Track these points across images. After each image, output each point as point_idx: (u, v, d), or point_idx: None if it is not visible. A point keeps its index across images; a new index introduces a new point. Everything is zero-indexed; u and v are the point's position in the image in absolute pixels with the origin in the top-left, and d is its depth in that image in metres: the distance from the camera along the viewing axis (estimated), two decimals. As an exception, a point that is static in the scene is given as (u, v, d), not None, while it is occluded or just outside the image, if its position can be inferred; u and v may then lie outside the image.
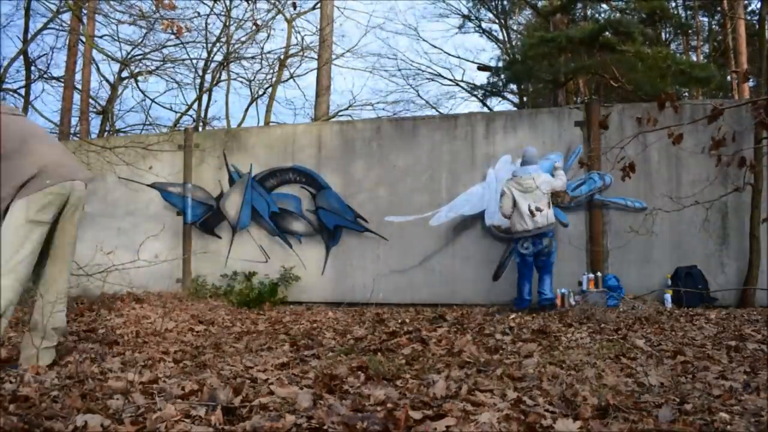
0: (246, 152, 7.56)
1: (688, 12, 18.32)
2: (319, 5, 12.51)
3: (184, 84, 14.76)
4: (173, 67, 13.80)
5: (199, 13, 14.71)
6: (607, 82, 11.91)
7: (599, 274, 6.18)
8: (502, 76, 16.21)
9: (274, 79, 13.50)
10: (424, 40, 20.83)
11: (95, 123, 14.30)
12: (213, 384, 2.84)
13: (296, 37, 13.39)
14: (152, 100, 14.87)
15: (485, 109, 17.43)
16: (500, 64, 18.07)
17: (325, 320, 5.78)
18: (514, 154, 6.79)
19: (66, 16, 11.66)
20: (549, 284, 5.90)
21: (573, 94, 16.49)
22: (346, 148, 7.27)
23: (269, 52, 13.63)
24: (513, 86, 18.49)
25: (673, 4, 17.52)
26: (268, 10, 13.00)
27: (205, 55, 13.30)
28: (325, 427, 2.21)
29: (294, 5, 12.05)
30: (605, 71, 11.11)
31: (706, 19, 19.00)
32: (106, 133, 12.75)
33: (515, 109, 17.51)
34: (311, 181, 7.23)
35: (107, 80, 14.13)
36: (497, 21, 19.85)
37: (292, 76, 14.03)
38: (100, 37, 12.77)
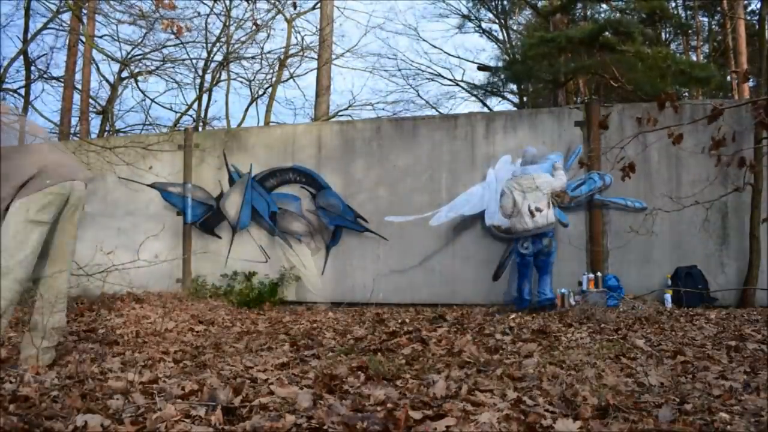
0: (246, 152, 7.56)
1: (688, 12, 18.32)
2: (319, 5, 12.51)
3: (184, 84, 14.79)
4: (173, 67, 13.83)
5: (199, 13, 14.71)
6: (607, 82, 11.91)
7: (599, 274, 6.18)
8: (501, 76, 16.20)
9: (274, 79, 13.51)
10: (424, 40, 20.83)
11: (95, 123, 14.32)
12: (213, 384, 2.84)
13: (296, 37, 13.40)
14: (152, 100, 14.92)
15: (485, 109, 17.43)
16: (500, 64, 18.08)
17: (325, 320, 5.78)
18: (514, 154, 6.79)
19: (66, 16, 11.68)
20: (549, 284, 5.91)
21: (573, 94, 16.49)
22: (346, 148, 7.27)
23: (269, 52, 13.65)
24: (513, 86, 18.50)
25: (673, 4, 17.52)
26: (268, 10, 13.02)
27: (205, 55, 13.32)
28: (325, 427, 2.21)
29: (294, 5, 12.05)
30: (605, 71, 11.11)
31: (706, 19, 19.00)
32: (106, 133, 12.76)
33: (515, 109, 17.51)
34: (311, 181, 7.23)
35: (107, 80, 14.15)
36: (497, 21, 19.86)
37: (292, 76, 14.04)
38: (100, 37, 12.80)
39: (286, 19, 12.89)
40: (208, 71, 13.52)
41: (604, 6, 15.02)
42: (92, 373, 3.13)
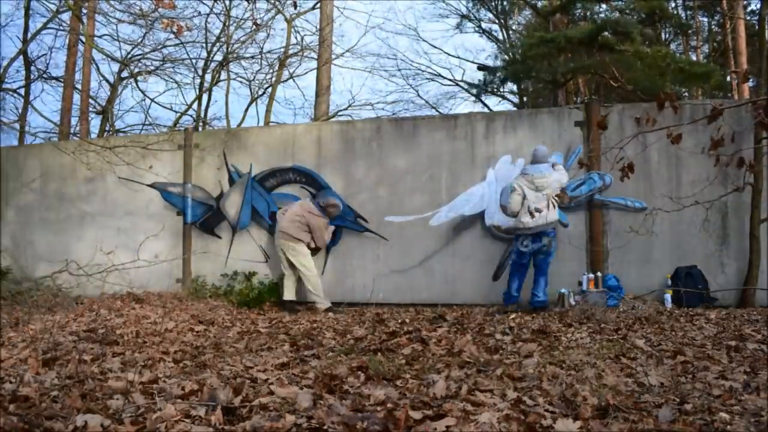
0: (246, 152, 7.56)
1: (688, 12, 18.32)
2: (318, 5, 12.50)
3: (183, 84, 14.73)
4: (173, 67, 13.80)
5: (199, 12, 14.70)
6: (606, 82, 11.91)
7: (599, 274, 6.18)
8: (499, 74, 16.19)
9: (273, 79, 13.50)
10: (423, 40, 20.85)
11: (95, 123, 14.33)
12: (213, 384, 2.84)
13: (296, 37, 13.37)
14: (152, 100, 14.91)
15: (485, 109, 17.43)
16: (498, 63, 18.07)
17: (325, 320, 5.78)
18: (514, 154, 6.79)
19: (66, 16, 11.68)
20: (542, 286, 5.91)
21: (573, 94, 16.49)
22: (346, 148, 7.26)
23: (269, 52, 13.58)
24: (513, 86, 18.49)
25: (673, 4, 17.52)
26: (268, 10, 13.01)
27: (204, 54, 13.31)
28: (325, 427, 2.21)
29: (294, 5, 12.04)
30: (605, 71, 11.11)
31: (705, 19, 19.01)
32: (106, 133, 12.75)
33: (515, 109, 17.51)
34: (311, 181, 7.23)
35: (107, 80, 14.14)
36: (497, 21, 19.86)
37: (291, 76, 14.03)
38: (100, 36, 12.78)
39: (285, 19, 12.89)
40: (208, 71, 13.52)
41: (603, 6, 15.01)
42: (92, 373, 3.13)
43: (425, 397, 2.62)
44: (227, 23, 12.84)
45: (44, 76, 13.28)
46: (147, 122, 13.82)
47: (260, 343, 4.34)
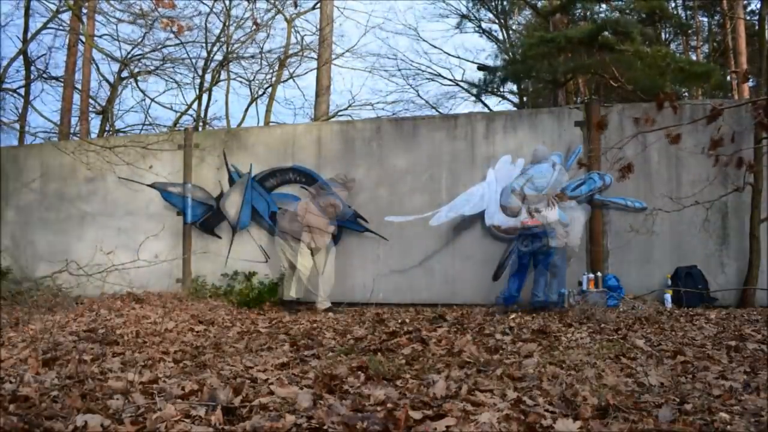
0: (246, 152, 7.56)
1: (688, 12, 18.32)
2: (318, 5, 12.50)
3: (183, 84, 14.71)
4: (173, 67, 13.80)
5: (200, 12, 14.71)
6: (606, 82, 11.91)
7: (599, 274, 6.17)
8: (499, 74, 16.19)
9: (273, 79, 13.51)
10: (423, 40, 20.78)
11: (95, 123, 14.30)
12: (213, 384, 2.84)
13: (296, 37, 13.37)
14: (152, 100, 14.91)
15: (485, 109, 17.43)
16: (498, 63, 18.06)
17: (325, 320, 5.78)
18: (514, 154, 6.79)
19: (65, 16, 11.68)
20: (542, 286, 5.90)
21: (573, 94, 16.48)
22: (346, 148, 7.26)
23: (269, 52, 13.57)
24: (513, 86, 18.49)
25: (673, 4, 17.52)
26: (268, 10, 13.02)
27: (204, 54, 13.30)
28: (325, 427, 2.21)
29: (295, 4, 12.05)
30: (604, 71, 11.11)
31: (705, 19, 19.00)
32: (106, 133, 12.76)
33: (515, 109, 17.51)
34: (311, 181, 7.22)
35: (107, 80, 14.13)
36: (497, 21, 19.85)
37: (291, 76, 14.03)
38: (100, 36, 12.79)
39: (286, 19, 12.89)
40: (208, 71, 13.52)
41: (603, 6, 15.01)
42: (92, 373, 3.13)
43: (425, 397, 2.62)
44: (227, 23, 12.85)
45: (44, 76, 13.30)
46: (147, 122, 13.84)
47: (260, 343, 4.34)
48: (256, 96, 13.94)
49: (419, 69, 18.09)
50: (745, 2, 16.55)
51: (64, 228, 7.97)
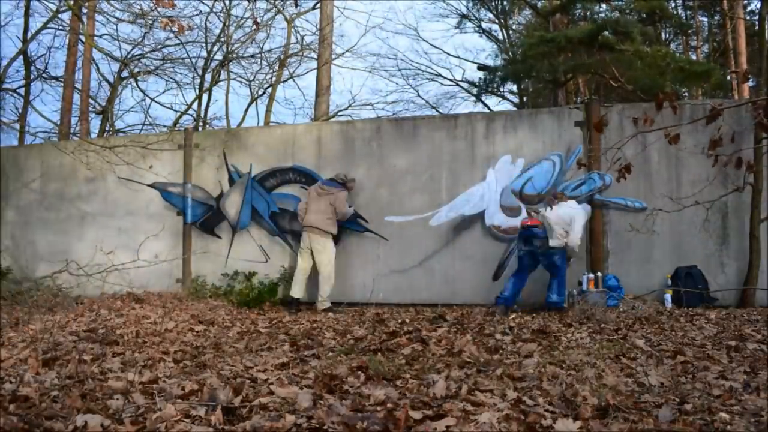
0: (246, 152, 7.56)
1: (688, 12, 18.32)
2: (318, 5, 12.50)
3: (183, 84, 14.71)
4: (173, 67, 13.81)
5: (200, 11, 14.70)
6: (606, 81, 11.91)
7: (599, 274, 6.17)
8: (499, 74, 16.20)
9: (273, 79, 13.51)
10: (423, 40, 20.77)
11: (95, 123, 14.30)
12: (213, 384, 2.84)
13: (296, 37, 13.37)
14: (152, 99, 14.88)
15: (485, 109, 17.43)
16: (498, 63, 18.08)
17: (325, 320, 5.78)
18: (514, 154, 6.79)
19: (65, 16, 11.68)
20: (555, 288, 5.87)
21: (573, 94, 16.49)
22: (346, 148, 7.26)
23: (269, 52, 13.57)
24: (513, 86, 18.50)
25: (673, 4, 17.52)
26: (268, 10, 13.01)
27: (204, 54, 13.30)
28: (325, 427, 2.21)
29: (296, 4, 12.04)
30: (604, 71, 11.11)
31: (705, 19, 19.00)
32: (106, 133, 12.76)
33: (515, 109, 17.51)
34: (311, 181, 7.22)
35: (107, 80, 14.13)
36: (497, 21, 19.86)
37: (291, 76, 14.04)
38: (100, 36, 12.78)
39: (286, 19, 12.89)
40: (208, 71, 13.52)
41: (603, 6, 15.01)
42: (92, 373, 3.13)
43: (425, 397, 2.62)
44: (227, 23, 12.85)
45: (44, 75, 13.30)
46: (147, 122, 13.84)
47: (260, 343, 4.34)
48: (256, 96, 13.95)
49: (419, 69, 18.12)
50: (745, 2, 16.57)
51: (64, 228, 7.98)
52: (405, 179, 7.05)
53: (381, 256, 7.00)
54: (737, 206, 6.28)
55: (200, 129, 12.58)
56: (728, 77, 14.77)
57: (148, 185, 7.73)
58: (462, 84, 18.46)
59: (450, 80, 18.54)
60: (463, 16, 19.43)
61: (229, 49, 12.89)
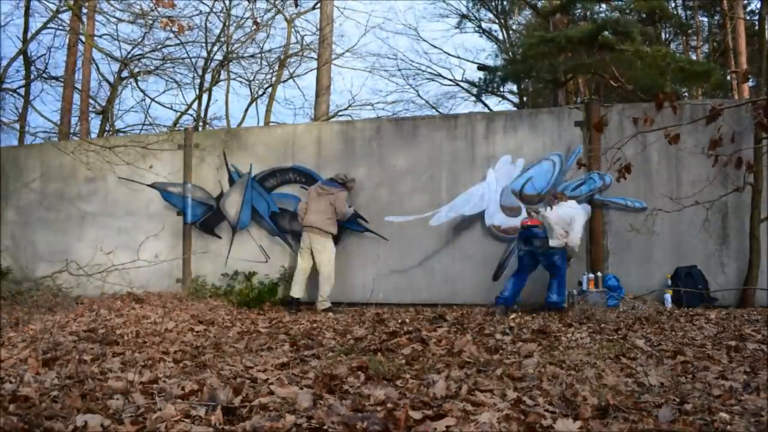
0: (246, 152, 7.56)
1: (688, 12, 18.32)
2: (318, 5, 12.50)
3: (183, 84, 14.71)
4: (173, 67, 13.81)
5: (200, 11, 14.70)
6: (606, 81, 11.91)
7: (599, 274, 6.18)
8: (499, 74, 16.20)
9: (273, 79, 13.51)
10: (423, 40, 20.78)
11: (95, 123, 14.31)
12: (213, 384, 2.84)
13: (296, 37, 13.37)
14: (152, 100, 14.89)
15: (485, 109, 17.43)
16: (498, 63, 18.08)
17: (325, 320, 5.78)
18: (514, 154, 6.79)
19: (65, 16, 11.68)
20: (555, 288, 5.87)
21: (573, 94, 16.49)
22: (346, 148, 7.26)
23: (269, 52, 13.56)
24: (513, 86, 18.50)
25: (673, 4, 17.52)
26: (268, 10, 13.01)
27: (204, 54, 13.30)
28: (325, 427, 2.21)
29: (296, 3, 12.04)
30: (605, 70, 11.11)
31: (705, 19, 19.00)
32: (106, 133, 12.76)
33: (515, 109, 17.51)
34: (311, 181, 7.21)
35: (107, 80, 14.14)
36: (497, 21, 19.86)
37: (291, 76, 14.04)
38: (100, 36, 12.78)
39: (286, 19, 12.89)
40: (208, 71, 13.52)
41: (603, 6, 15.01)
42: (92, 373, 3.13)
43: (425, 397, 2.62)
44: (227, 23, 12.85)
45: (44, 75, 13.30)
46: (147, 122, 13.84)
47: (260, 343, 4.34)
48: (256, 96, 13.96)
49: (419, 69, 18.12)
50: (745, 2, 16.57)
51: (64, 228, 7.98)
52: (405, 179, 7.05)
53: (381, 256, 7.00)
54: (737, 206, 6.28)
55: (200, 129, 12.58)
56: (728, 77, 14.77)
57: (148, 185, 7.73)
58: (462, 84, 18.48)
59: (450, 80, 18.57)
60: (463, 16, 19.43)
61: (229, 49, 12.90)
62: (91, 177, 7.91)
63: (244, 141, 7.62)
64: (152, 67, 13.65)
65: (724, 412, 2.41)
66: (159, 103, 21.01)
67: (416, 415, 2.31)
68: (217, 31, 13.29)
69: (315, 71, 12.39)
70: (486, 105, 18.28)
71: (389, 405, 2.48)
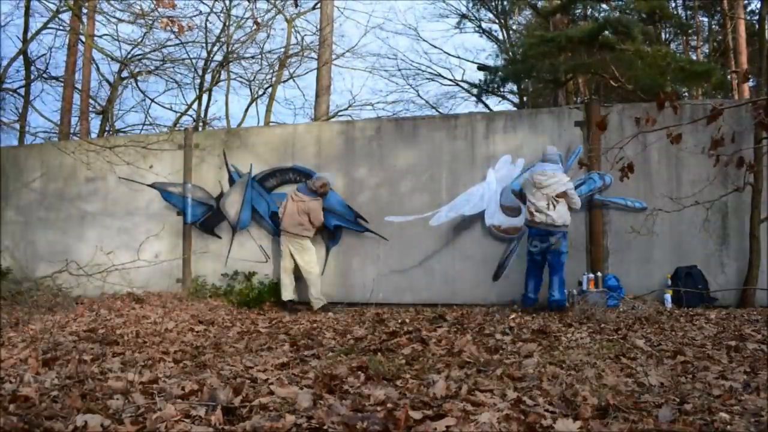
0: (246, 152, 7.56)
1: (688, 12, 18.32)
2: (319, 5, 12.50)
3: (184, 84, 14.69)
4: (173, 67, 13.78)
5: (200, 12, 14.70)
6: (607, 81, 11.92)
7: (599, 274, 6.18)
8: (500, 74, 16.19)
9: (274, 79, 13.50)
10: (423, 40, 20.76)
11: (95, 123, 14.31)
12: (213, 384, 2.84)
13: (296, 37, 13.36)
14: (152, 100, 14.86)
15: (485, 109, 17.43)
16: (499, 63, 18.08)
17: (325, 320, 5.78)
18: (514, 154, 6.79)
19: (66, 16, 11.66)
20: (557, 286, 5.86)
21: (573, 94, 16.49)
22: (346, 148, 7.26)
23: (269, 52, 13.55)
24: (513, 86, 18.49)
25: (673, 4, 17.52)
26: (268, 10, 13.00)
27: (204, 54, 13.30)
28: (325, 427, 2.21)
29: (296, 4, 12.03)
30: (605, 70, 11.11)
31: (706, 19, 19.00)
32: (106, 133, 12.75)
33: (515, 109, 17.51)
34: (311, 181, 7.21)
35: (107, 80, 14.12)
36: (497, 21, 19.85)
37: (291, 76, 14.02)
38: (100, 36, 12.77)
39: (286, 19, 12.88)
40: (208, 71, 13.51)
41: (603, 6, 15.01)
42: (92, 373, 3.13)
43: (425, 397, 2.62)
44: (227, 23, 12.84)
45: (44, 76, 13.29)
46: (147, 122, 13.83)
47: (260, 343, 4.34)
48: (256, 96, 13.94)
49: (419, 69, 18.11)
50: (745, 2, 16.55)
51: (65, 228, 7.98)
52: (405, 179, 7.05)
53: (381, 256, 7.00)
54: (737, 206, 6.28)
55: (200, 129, 12.58)
56: (728, 77, 14.76)
57: (148, 185, 7.73)
58: (462, 84, 18.47)
59: (450, 80, 18.55)
60: (463, 16, 19.43)
61: (229, 49, 12.88)
62: (92, 177, 7.91)
63: (244, 141, 7.63)
64: (152, 68, 13.64)
65: (724, 412, 2.41)
66: (159, 104, 21.03)
67: (416, 415, 2.31)
68: (218, 32, 13.29)
69: (315, 71, 12.39)
70: (486, 105, 18.28)
71: (389, 405, 2.48)
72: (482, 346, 3.95)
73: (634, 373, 3.14)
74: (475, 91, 18.02)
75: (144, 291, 7.08)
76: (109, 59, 12.67)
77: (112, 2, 10.10)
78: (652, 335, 4.35)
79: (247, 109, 18.02)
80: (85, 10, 11.19)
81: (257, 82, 13.79)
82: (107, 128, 13.00)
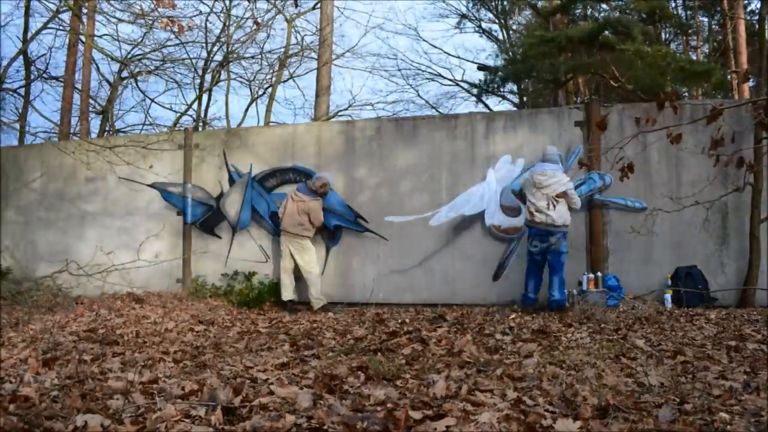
0: (246, 152, 7.56)
1: (688, 12, 18.31)
2: (319, 5, 12.50)
3: (183, 84, 14.69)
4: (173, 67, 13.77)
5: (200, 11, 14.69)
6: (607, 81, 11.91)
7: (599, 274, 6.18)
8: (500, 74, 16.20)
9: (274, 79, 13.49)
10: (423, 40, 20.76)
11: (95, 123, 14.30)
12: (213, 384, 2.85)
13: (296, 37, 13.36)
14: (152, 100, 14.85)
15: (485, 109, 17.43)
16: (499, 63, 18.08)
17: (325, 320, 5.78)
18: (514, 154, 6.79)
19: (66, 16, 11.65)
20: (557, 285, 5.86)
21: (573, 94, 16.48)
22: (346, 148, 7.26)
23: (269, 52, 13.55)
24: (513, 86, 18.49)
25: (673, 4, 17.52)
26: (268, 10, 13.00)
27: (204, 54, 13.29)
28: (325, 427, 2.21)
29: (296, 4, 12.03)
30: (605, 70, 11.11)
31: (706, 19, 19.00)
32: (106, 133, 12.75)
33: (515, 109, 17.51)
34: (311, 181, 7.21)
35: (107, 80, 14.12)
36: (497, 21, 19.85)
37: (291, 76, 14.02)
38: (100, 36, 12.77)
39: (286, 19, 12.88)
40: (208, 71, 13.51)
41: (603, 6, 15.01)
42: (92, 373, 3.13)
43: (425, 397, 2.62)
44: (227, 23, 12.84)
45: (44, 76, 13.29)
46: (147, 122, 13.83)
47: (260, 343, 4.34)
48: (256, 96, 13.94)
49: (419, 69, 18.11)
50: (745, 2, 16.55)
51: (65, 228, 7.98)
52: (405, 179, 7.05)
53: (381, 256, 7.00)
54: (737, 206, 6.28)
55: (200, 129, 12.58)
56: (728, 77, 14.76)
57: (148, 185, 7.73)
58: (462, 84, 18.47)
59: (450, 80, 18.55)
60: (463, 16, 19.43)
61: (229, 49, 12.88)
62: (92, 177, 7.91)
63: (244, 141, 7.63)
64: (152, 68, 13.63)
65: (724, 412, 2.41)
66: (159, 104, 21.03)
67: (416, 415, 2.31)
68: (217, 32, 13.29)
69: (315, 71, 12.40)
70: (486, 105, 18.28)
71: (389, 405, 2.48)
72: (482, 346, 3.95)
73: (634, 373, 3.14)
74: (475, 91, 18.02)
75: (144, 291, 7.08)
76: (109, 59, 12.67)
77: (112, 2, 10.10)
78: (652, 335, 4.35)
79: (247, 109, 18.03)
80: (85, 10, 11.19)
81: (257, 82, 13.80)
82: (107, 128, 13.00)
